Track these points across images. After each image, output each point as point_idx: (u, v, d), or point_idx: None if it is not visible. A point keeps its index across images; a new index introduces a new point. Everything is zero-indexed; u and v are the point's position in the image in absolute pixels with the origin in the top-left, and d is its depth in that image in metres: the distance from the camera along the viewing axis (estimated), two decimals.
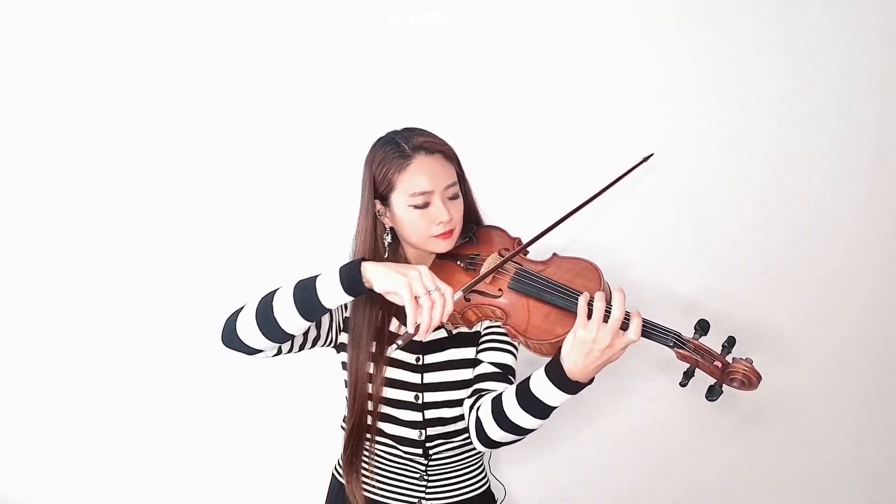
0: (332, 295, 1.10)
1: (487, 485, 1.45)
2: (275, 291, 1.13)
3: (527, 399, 1.09)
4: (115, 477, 1.90)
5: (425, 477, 1.34)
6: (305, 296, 1.10)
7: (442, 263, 1.32)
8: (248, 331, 1.14)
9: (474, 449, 1.39)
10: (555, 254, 1.29)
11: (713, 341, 1.10)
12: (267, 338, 1.14)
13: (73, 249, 1.79)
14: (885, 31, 1.75)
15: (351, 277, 1.09)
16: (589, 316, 1.04)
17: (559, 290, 1.16)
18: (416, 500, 1.34)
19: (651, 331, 1.08)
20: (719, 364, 1.06)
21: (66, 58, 1.71)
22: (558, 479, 1.96)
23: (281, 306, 1.11)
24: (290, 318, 1.11)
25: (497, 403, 1.13)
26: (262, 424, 1.89)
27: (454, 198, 1.26)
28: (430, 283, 1.07)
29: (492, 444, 1.17)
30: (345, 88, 1.75)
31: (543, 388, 1.08)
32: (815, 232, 1.85)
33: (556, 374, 1.06)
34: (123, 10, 1.70)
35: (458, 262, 1.29)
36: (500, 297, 1.22)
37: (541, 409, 1.09)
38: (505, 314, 1.20)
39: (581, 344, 1.03)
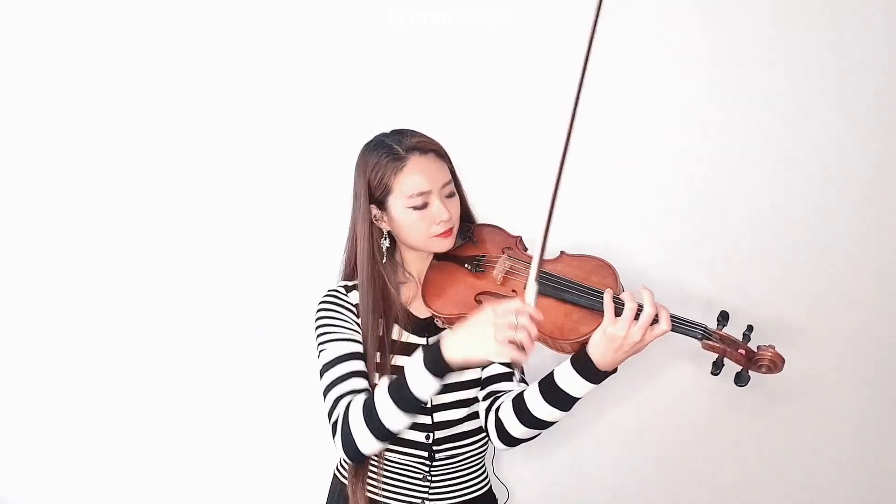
0: (425, 388, 1.09)
1: (489, 485, 1.45)
2: (373, 406, 1.12)
3: (552, 393, 1.14)
4: (115, 477, 1.89)
5: (428, 478, 1.34)
6: (401, 396, 1.10)
7: (445, 266, 1.31)
8: (371, 447, 1.14)
9: (477, 449, 1.39)
10: (563, 252, 1.29)
11: (732, 332, 1.15)
12: (385, 442, 1.15)
13: (73, 251, 1.78)
14: (887, 26, 1.76)
15: (437, 367, 1.07)
16: (616, 313, 1.08)
17: (581, 290, 1.17)
18: (419, 501, 1.34)
19: (679, 324, 1.12)
20: (743, 352, 1.12)
21: (66, 58, 1.71)
22: (560, 481, 1.96)
23: (387, 416, 1.11)
24: (398, 422, 1.12)
25: (519, 401, 1.17)
26: (264, 425, 1.88)
27: (451, 196, 1.27)
28: (510, 317, 1.02)
29: (513, 442, 1.22)
30: (345, 88, 1.75)
31: (570, 381, 1.13)
32: (821, 226, 1.86)
33: (583, 366, 1.11)
34: (123, 10, 1.69)
35: (466, 266, 1.29)
36: (514, 296, 1.22)
37: (566, 402, 1.14)
38: None
39: (611, 340, 1.08)
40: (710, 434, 1.97)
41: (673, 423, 1.95)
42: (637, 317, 1.07)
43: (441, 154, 1.27)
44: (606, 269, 1.22)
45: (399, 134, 1.27)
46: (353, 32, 1.72)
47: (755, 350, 1.12)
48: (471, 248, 1.32)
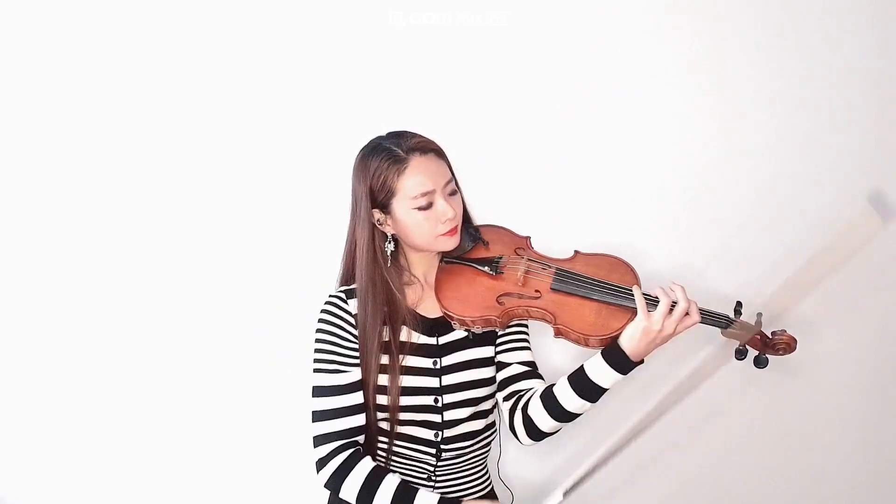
0: None
1: (491, 485, 1.45)
2: (372, 495, 1.20)
3: (583, 385, 1.21)
4: (115, 477, 1.88)
5: (433, 477, 1.34)
6: None
7: (459, 270, 1.31)
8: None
9: (480, 449, 1.39)
10: (577, 251, 1.33)
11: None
12: None
13: (74, 252, 1.77)
14: (885, 28, 1.77)
15: None
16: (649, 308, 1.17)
17: (609, 288, 1.23)
18: None
19: (706, 316, 1.21)
20: (760, 337, 1.24)
21: (66, 60, 1.69)
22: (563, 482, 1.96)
23: None
24: None
25: (549, 396, 1.24)
26: (264, 425, 1.88)
27: (453, 193, 1.27)
28: None
29: (540, 437, 1.30)
30: (344, 89, 1.74)
31: (601, 374, 1.20)
32: (817, 227, 1.87)
33: (615, 358, 1.19)
34: (123, 9, 1.69)
35: (485, 268, 1.29)
36: (538, 297, 1.25)
37: (596, 393, 1.22)
38: (552, 315, 1.23)
39: (646, 333, 1.16)
40: (718, 431, 1.98)
41: (677, 428, 1.96)
42: (670, 311, 1.16)
43: (440, 153, 1.27)
44: (624, 267, 1.29)
45: (397, 136, 1.27)
46: (353, 32, 1.72)
47: (770, 335, 1.24)
48: (482, 250, 1.33)
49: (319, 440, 1.23)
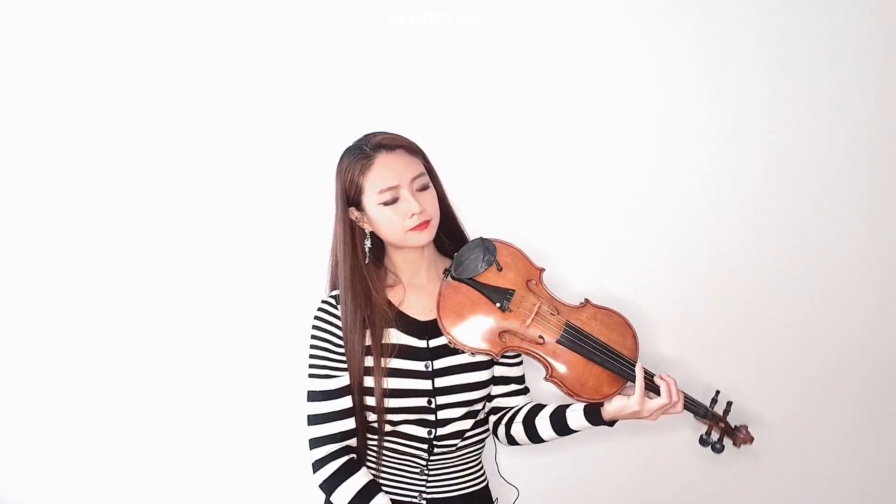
0: None
1: (486, 482, 1.45)
2: None
3: (561, 426, 1.31)
4: (115, 477, 1.88)
5: (426, 471, 1.34)
6: None
7: (468, 292, 1.28)
8: None
9: (474, 446, 1.40)
10: (587, 300, 1.32)
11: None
12: None
13: (74, 253, 1.78)
14: (884, 29, 1.77)
15: None
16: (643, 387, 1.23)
17: (611, 356, 1.25)
18: (416, 495, 1.35)
19: (689, 404, 1.28)
20: (723, 425, 1.33)
21: (59, 61, 1.71)
22: (565, 480, 1.96)
23: None
24: None
25: (530, 425, 1.34)
26: (264, 425, 1.88)
27: (423, 189, 1.27)
28: None
29: (517, 445, 1.41)
30: (345, 89, 1.75)
31: (578, 423, 1.29)
32: (812, 240, 1.88)
33: (594, 415, 1.27)
34: (121, 10, 1.70)
35: (497, 304, 1.26)
36: (541, 344, 1.25)
37: (570, 433, 1.32)
38: (550, 366, 1.25)
39: (632, 413, 1.23)
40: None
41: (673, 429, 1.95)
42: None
43: (412, 150, 1.28)
44: (627, 331, 1.30)
45: (367, 135, 1.30)
46: (353, 32, 1.73)
47: (733, 428, 1.33)
48: (495, 275, 1.28)
49: (314, 443, 1.28)
